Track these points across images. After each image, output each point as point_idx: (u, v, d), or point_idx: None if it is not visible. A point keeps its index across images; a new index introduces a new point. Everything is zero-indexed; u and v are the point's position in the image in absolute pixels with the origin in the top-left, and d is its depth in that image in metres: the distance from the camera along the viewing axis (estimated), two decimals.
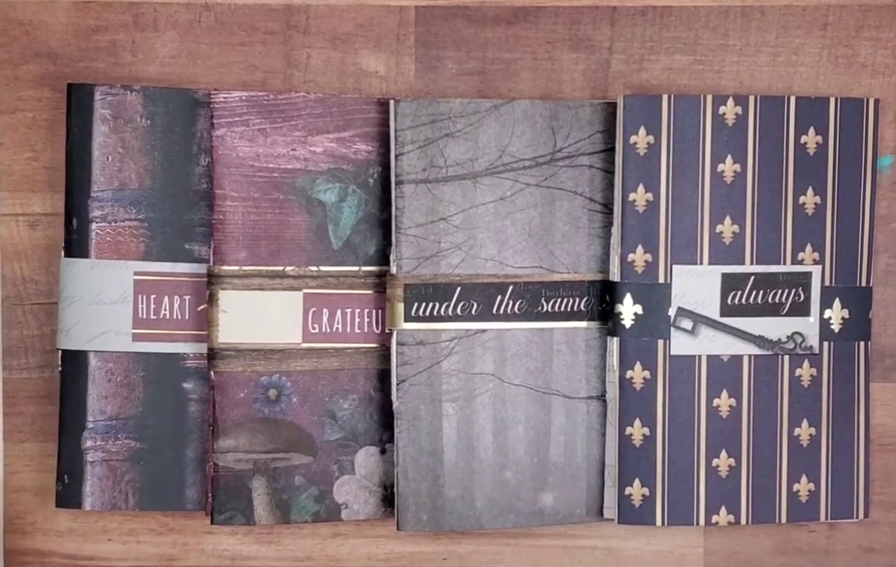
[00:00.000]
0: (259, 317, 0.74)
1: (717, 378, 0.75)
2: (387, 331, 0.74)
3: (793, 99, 0.75)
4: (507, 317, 0.74)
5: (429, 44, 0.76)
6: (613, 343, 0.74)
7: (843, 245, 0.76)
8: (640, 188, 0.73)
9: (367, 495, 0.76)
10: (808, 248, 0.75)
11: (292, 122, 0.74)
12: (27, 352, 0.76)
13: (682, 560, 0.78)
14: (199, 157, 0.75)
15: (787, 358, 0.75)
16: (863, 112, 0.75)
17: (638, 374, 0.74)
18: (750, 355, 0.75)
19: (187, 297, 0.75)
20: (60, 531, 0.77)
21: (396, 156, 0.73)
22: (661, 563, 0.78)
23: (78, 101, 0.74)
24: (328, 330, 0.74)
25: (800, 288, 0.75)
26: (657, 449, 0.74)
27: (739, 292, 0.74)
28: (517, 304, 0.74)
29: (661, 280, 0.74)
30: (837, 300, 0.76)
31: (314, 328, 0.74)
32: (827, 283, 0.75)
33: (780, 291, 0.75)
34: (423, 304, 0.73)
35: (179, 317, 0.75)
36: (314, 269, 0.74)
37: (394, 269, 0.73)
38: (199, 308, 0.75)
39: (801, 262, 0.75)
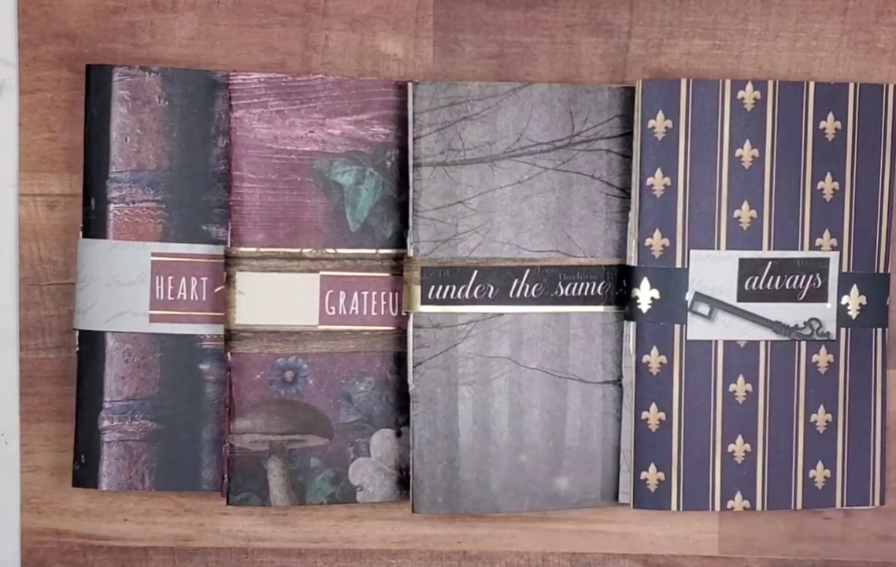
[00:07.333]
0: (276, 299, 0.74)
1: (734, 363, 0.74)
2: (403, 313, 0.74)
3: (812, 84, 0.74)
4: (523, 300, 0.74)
5: (447, 27, 0.76)
6: (630, 327, 0.74)
7: (861, 231, 0.75)
8: (658, 173, 0.73)
9: (382, 478, 0.76)
10: (826, 233, 0.75)
11: (310, 105, 0.74)
12: (44, 332, 0.77)
13: (697, 545, 0.78)
14: (216, 138, 0.75)
15: (803, 344, 0.75)
16: (882, 98, 0.75)
17: (654, 358, 0.74)
18: (767, 341, 0.75)
19: (204, 279, 0.75)
20: (77, 511, 0.77)
21: (414, 138, 0.73)
22: (676, 548, 0.78)
23: (96, 82, 0.74)
24: (345, 312, 0.74)
25: (817, 274, 0.75)
26: (673, 434, 0.74)
27: (757, 278, 0.74)
28: (534, 287, 0.74)
29: (679, 265, 0.74)
30: (855, 286, 0.75)
31: (331, 310, 0.74)
32: (844, 269, 0.75)
33: (797, 277, 0.74)
34: (440, 287, 0.73)
35: (197, 298, 0.75)
36: (331, 251, 0.74)
37: (411, 252, 0.73)
38: (217, 289, 0.75)
39: (818, 248, 0.75)
